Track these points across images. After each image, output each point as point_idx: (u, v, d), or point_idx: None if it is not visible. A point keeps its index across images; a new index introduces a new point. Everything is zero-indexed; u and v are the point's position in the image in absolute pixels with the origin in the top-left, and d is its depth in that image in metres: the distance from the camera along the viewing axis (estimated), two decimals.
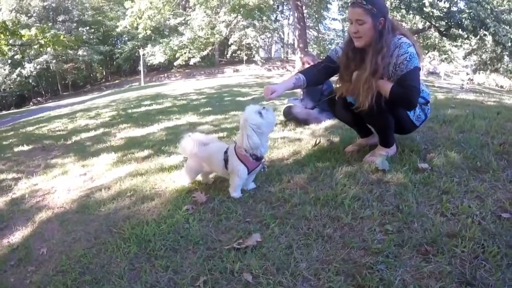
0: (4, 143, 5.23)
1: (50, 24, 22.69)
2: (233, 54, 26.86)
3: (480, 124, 2.59)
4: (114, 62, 30.21)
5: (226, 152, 1.83)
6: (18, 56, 20.60)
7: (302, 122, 3.54)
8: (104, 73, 32.69)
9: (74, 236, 1.72)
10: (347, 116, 2.23)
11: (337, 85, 2.11)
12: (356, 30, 1.81)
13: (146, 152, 3.16)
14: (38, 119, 8.88)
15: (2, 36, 10.18)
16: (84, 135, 4.74)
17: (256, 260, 1.31)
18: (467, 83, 15.45)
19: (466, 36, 11.71)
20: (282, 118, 3.80)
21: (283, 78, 16.99)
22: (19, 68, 23.54)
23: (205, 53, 21.68)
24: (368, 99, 1.81)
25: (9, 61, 20.55)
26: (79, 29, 25.27)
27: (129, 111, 6.93)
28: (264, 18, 20.76)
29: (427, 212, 1.47)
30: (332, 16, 26.26)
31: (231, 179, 1.85)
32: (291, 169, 2.12)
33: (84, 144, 4.16)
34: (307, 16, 21.92)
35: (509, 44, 11.29)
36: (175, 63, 22.17)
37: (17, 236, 1.96)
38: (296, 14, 15.30)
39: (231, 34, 22.42)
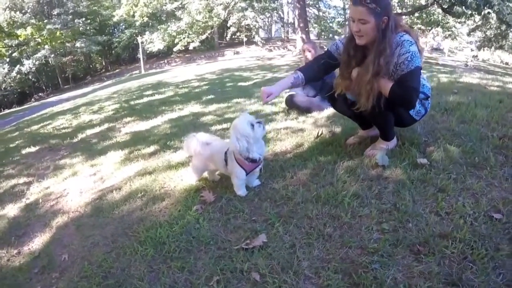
0: (11, 145, 5.29)
1: (45, 19, 22.49)
2: (233, 36, 26.39)
3: (482, 114, 2.62)
4: (113, 52, 29.91)
5: (226, 153, 1.91)
6: (16, 54, 20.52)
7: (304, 110, 3.58)
8: (104, 63, 32.49)
9: (92, 240, 1.82)
10: (348, 111, 2.26)
11: (337, 81, 2.10)
12: (358, 29, 1.78)
13: (152, 148, 3.24)
14: (42, 117, 8.92)
15: None
16: (89, 132, 4.80)
17: (263, 259, 1.41)
18: (471, 60, 15.17)
19: (469, 13, 11.40)
20: (284, 105, 3.84)
21: (284, 58, 16.81)
22: (18, 66, 23.58)
23: (204, 37, 21.41)
24: (370, 101, 1.82)
25: (8, 59, 20.50)
26: (75, 20, 24.95)
27: (132, 102, 6.95)
28: None
29: (422, 212, 1.55)
30: None
31: (232, 179, 1.94)
32: (294, 164, 2.20)
33: (90, 141, 4.23)
34: None
35: None
36: (175, 49, 21.95)
37: (36, 243, 2.03)
38: None
39: (230, 16, 21.99)
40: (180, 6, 21.84)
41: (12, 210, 2.59)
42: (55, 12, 25.37)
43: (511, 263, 1.24)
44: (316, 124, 3.09)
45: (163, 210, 1.95)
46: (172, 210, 1.92)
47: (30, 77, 25.35)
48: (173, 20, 22.23)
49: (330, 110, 3.36)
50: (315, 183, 1.93)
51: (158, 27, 22.76)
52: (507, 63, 19.12)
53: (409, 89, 1.79)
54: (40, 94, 26.11)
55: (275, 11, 26.17)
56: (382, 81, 1.82)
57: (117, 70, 28.81)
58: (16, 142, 5.46)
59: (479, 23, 14.96)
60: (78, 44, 24.39)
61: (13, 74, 23.93)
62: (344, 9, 25.32)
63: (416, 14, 16.46)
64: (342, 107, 2.28)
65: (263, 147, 1.91)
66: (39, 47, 16.62)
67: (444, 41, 20.88)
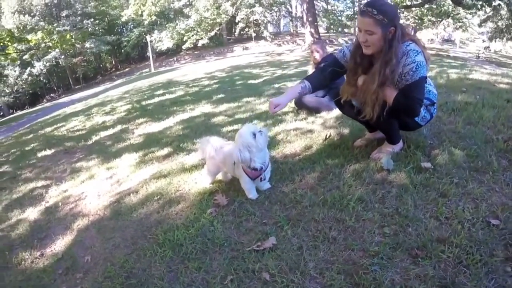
0: (27, 148, 5.43)
1: (54, 21, 22.89)
2: (241, 32, 26.38)
3: (488, 115, 2.64)
4: (122, 51, 30.38)
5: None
6: (26, 57, 20.97)
7: (313, 110, 3.62)
8: (114, 63, 32.97)
9: (113, 243, 1.94)
10: (354, 116, 2.33)
11: (343, 87, 2.15)
12: (365, 40, 1.82)
13: (165, 150, 3.35)
14: (55, 118, 9.13)
15: (10, 44, 10.39)
16: (103, 134, 4.92)
17: (273, 260, 1.51)
18: (483, 52, 14.86)
19: (480, 4, 11.16)
20: (293, 105, 3.88)
21: (293, 53, 16.73)
22: (29, 68, 24.21)
23: (212, 33, 21.50)
24: (376, 110, 1.88)
25: (19, 62, 21.06)
26: (84, 21, 25.40)
27: (143, 103, 7.08)
28: None
29: (422, 216, 1.61)
30: None
31: (240, 183, 2.06)
32: (302, 167, 2.29)
33: (105, 144, 4.34)
34: None
35: None
36: (184, 47, 22.11)
37: (58, 245, 2.13)
38: None
39: (238, 12, 22.00)
40: (188, 3, 21.95)
41: (32, 213, 2.71)
42: (64, 14, 25.87)
43: (504, 268, 1.29)
44: (324, 125, 3.16)
45: (179, 213, 2.07)
46: (188, 213, 2.03)
47: (41, 78, 25.99)
48: (181, 18, 22.39)
49: (338, 111, 3.40)
50: (322, 186, 2.01)
51: (167, 25, 22.95)
52: None
53: (413, 99, 1.82)
54: (51, 95, 26.74)
55: (283, 5, 26.04)
56: (387, 90, 1.87)
57: (127, 69, 29.23)
58: (32, 145, 5.62)
59: (490, 13, 14.61)
60: (87, 45, 24.83)
61: (25, 76, 24.63)
62: (353, 2, 24.97)
63: (426, 6, 16.17)
64: (349, 111, 2.34)
65: (266, 156, 1.99)
66: (49, 50, 16.92)
67: (455, 32, 20.46)
